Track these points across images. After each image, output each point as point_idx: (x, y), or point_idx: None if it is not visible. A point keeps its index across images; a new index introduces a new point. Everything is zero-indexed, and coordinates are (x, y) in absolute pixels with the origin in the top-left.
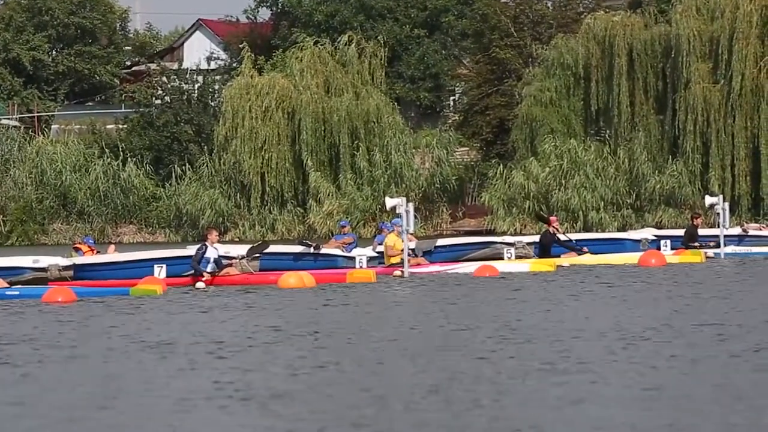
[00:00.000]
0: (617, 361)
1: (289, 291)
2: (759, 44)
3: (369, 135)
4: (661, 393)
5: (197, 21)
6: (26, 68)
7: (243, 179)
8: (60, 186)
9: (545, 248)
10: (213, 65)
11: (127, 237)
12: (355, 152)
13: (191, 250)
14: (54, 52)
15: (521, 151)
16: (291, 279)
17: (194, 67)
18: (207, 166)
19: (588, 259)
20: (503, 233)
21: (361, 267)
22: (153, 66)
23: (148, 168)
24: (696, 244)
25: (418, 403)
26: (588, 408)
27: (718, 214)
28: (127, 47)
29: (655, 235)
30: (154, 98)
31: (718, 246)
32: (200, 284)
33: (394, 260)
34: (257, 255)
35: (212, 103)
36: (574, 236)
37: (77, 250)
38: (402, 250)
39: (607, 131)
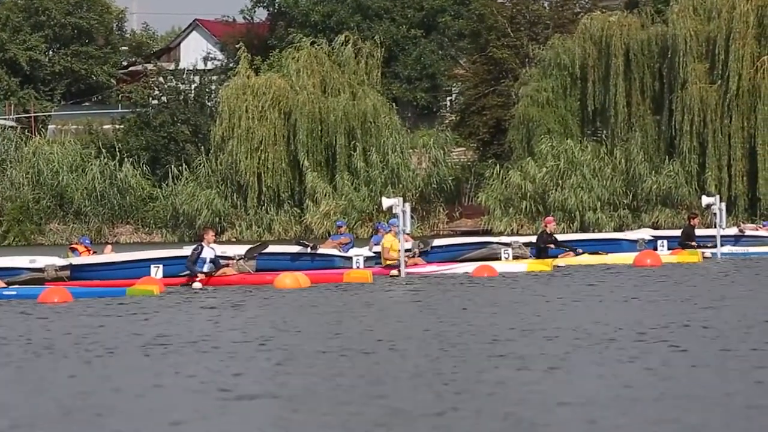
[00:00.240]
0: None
1: (285, 291)
2: (755, 44)
3: (366, 135)
4: (635, 392)
5: (194, 21)
6: (23, 68)
7: (240, 179)
8: (57, 186)
9: (542, 249)
10: (210, 65)
11: (124, 237)
12: (352, 152)
13: (188, 251)
14: (51, 52)
15: (518, 151)
16: (287, 279)
17: (191, 68)
18: (204, 166)
19: (584, 259)
20: (500, 233)
21: (358, 267)
22: (150, 66)
23: (144, 168)
24: (693, 243)
25: (411, 401)
26: (574, 409)
27: (715, 214)
28: (123, 47)
29: (652, 236)
30: (150, 98)
31: (715, 246)
32: (197, 284)
33: (390, 261)
34: (254, 255)
35: (209, 104)
36: (570, 237)
37: (73, 250)
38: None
39: (604, 131)
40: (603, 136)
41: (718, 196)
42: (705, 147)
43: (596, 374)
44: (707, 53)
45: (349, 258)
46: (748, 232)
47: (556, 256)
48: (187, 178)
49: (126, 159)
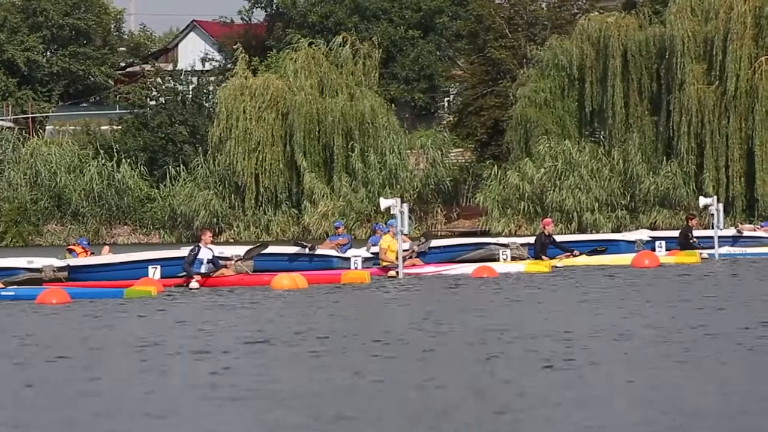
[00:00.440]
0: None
1: (282, 292)
2: (753, 45)
3: (363, 136)
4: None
5: (192, 22)
6: (21, 69)
7: (237, 180)
8: (54, 187)
9: (540, 250)
10: (207, 66)
11: (122, 238)
12: (350, 153)
13: (186, 251)
14: (48, 53)
15: (516, 152)
16: (284, 280)
17: (189, 68)
18: (201, 167)
19: (582, 260)
20: (498, 234)
21: (356, 268)
22: (147, 67)
23: (142, 169)
24: (694, 240)
25: (406, 401)
26: (572, 410)
27: (713, 215)
28: (121, 48)
29: (650, 236)
30: (148, 99)
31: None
32: (194, 284)
33: (387, 263)
34: (253, 256)
35: (206, 104)
36: (568, 238)
37: (71, 251)
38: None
39: (602, 132)
40: (601, 136)
41: (715, 197)
42: (703, 148)
43: (594, 374)
44: (705, 54)
45: (347, 259)
46: (745, 233)
47: (554, 257)
48: (184, 179)
49: (124, 160)
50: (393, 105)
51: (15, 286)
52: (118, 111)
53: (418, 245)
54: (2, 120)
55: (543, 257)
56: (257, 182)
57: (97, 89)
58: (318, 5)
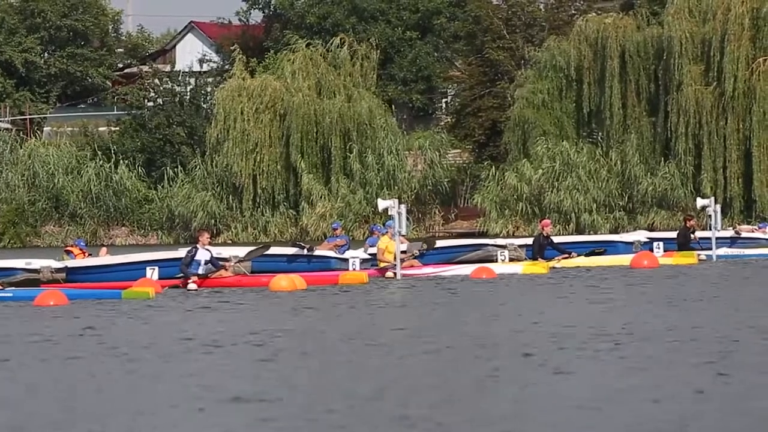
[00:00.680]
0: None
1: (280, 293)
2: (750, 46)
3: (361, 137)
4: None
5: (189, 23)
6: (18, 70)
7: (235, 181)
8: (52, 188)
9: (537, 251)
10: (205, 67)
11: (120, 239)
12: (348, 154)
13: (183, 253)
14: (46, 54)
15: (514, 153)
16: (282, 281)
17: (186, 69)
18: (199, 168)
19: (580, 261)
20: (496, 235)
21: (354, 269)
22: (145, 68)
23: (140, 170)
24: (696, 239)
25: (404, 403)
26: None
27: (710, 216)
28: (119, 49)
29: (648, 237)
30: (146, 100)
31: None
32: (192, 285)
33: (385, 263)
34: (253, 257)
35: (204, 105)
36: (566, 239)
37: (68, 252)
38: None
39: (600, 133)
40: (599, 137)
41: (713, 198)
42: (700, 149)
43: (591, 375)
44: (702, 55)
45: (346, 260)
46: (743, 234)
47: (552, 258)
48: (182, 180)
49: (121, 161)
50: (391, 106)
51: (13, 288)
52: (115, 112)
53: (419, 250)
54: (0, 121)
55: (540, 258)
56: (255, 183)
57: (94, 90)
58: (316, 6)
